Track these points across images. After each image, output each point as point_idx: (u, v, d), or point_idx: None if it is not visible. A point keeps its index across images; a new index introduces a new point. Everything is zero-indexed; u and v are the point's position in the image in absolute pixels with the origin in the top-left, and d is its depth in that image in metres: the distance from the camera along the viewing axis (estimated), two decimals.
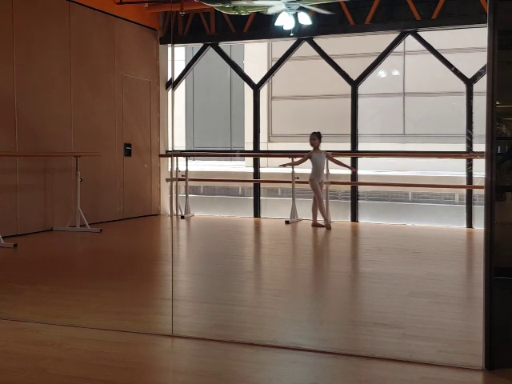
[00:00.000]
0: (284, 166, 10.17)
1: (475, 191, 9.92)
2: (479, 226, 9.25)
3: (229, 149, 20.97)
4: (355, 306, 5.24)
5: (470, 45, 14.59)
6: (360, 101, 10.65)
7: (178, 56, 17.99)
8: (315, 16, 9.98)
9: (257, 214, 11.12)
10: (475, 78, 9.81)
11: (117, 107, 10.51)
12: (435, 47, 10.16)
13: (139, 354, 3.76)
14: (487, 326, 3.44)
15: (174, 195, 11.02)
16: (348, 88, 10.59)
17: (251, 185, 11.67)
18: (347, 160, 10.43)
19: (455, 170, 11.51)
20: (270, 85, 18.67)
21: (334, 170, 10.29)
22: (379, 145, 15.35)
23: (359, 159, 10.68)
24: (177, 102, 21.22)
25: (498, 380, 3.34)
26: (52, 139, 9.19)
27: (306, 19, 9.27)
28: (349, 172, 10.46)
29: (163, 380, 3.47)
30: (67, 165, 9.35)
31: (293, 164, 10.12)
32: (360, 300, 5.48)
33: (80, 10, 9.66)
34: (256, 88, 11.31)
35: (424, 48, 10.23)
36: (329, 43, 11.12)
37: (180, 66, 13.40)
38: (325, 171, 9.91)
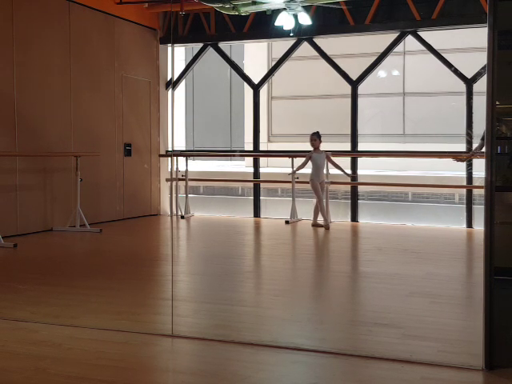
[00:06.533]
0: (293, 173, 10.17)
1: (475, 191, 9.93)
2: (479, 226, 9.24)
3: (229, 149, 20.96)
4: (355, 305, 5.23)
5: (469, 45, 14.60)
6: (360, 101, 10.64)
7: (178, 56, 17.98)
8: (315, 16, 9.97)
9: (257, 214, 11.12)
10: (475, 78, 9.81)
11: (117, 107, 10.50)
12: (435, 47, 10.15)
13: (139, 354, 3.76)
14: (487, 326, 3.44)
15: (173, 195, 11.02)
16: (348, 88, 10.59)
17: (251, 185, 11.67)
18: (347, 160, 10.43)
19: (455, 169, 11.50)
20: (269, 85, 18.67)
21: (334, 170, 10.28)
22: (379, 145, 15.34)
23: (359, 159, 10.68)
24: (177, 102, 21.21)
25: (498, 380, 3.34)
26: (52, 139, 9.19)
27: (305, 19, 9.25)
28: (349, 171, 10.45)
29: (163, 380, 3.47)
30: (67, 165, 9.35)
31: (298, 169, 10.09)
32: (360, 300, 5.48)
33: (80, 9, 9.65)
34: (256, 88, 11.31)
35: (424, 48, 10.23)
36: (329, 43, 11.12)
37: (180, 66, 13.40)
38: (325, 171, 9.91)
